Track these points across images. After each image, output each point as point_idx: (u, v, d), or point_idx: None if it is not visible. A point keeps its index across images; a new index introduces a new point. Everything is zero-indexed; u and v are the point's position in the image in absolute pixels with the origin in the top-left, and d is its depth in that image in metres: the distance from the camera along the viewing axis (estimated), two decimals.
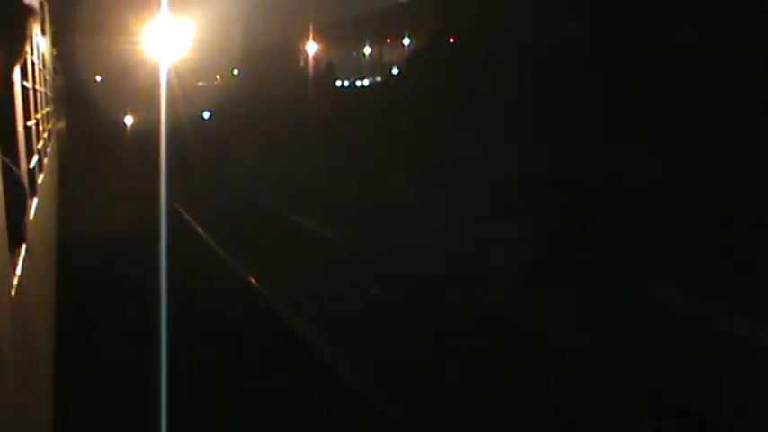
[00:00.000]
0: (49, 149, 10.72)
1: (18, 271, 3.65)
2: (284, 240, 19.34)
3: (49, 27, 12.67)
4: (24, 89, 5.71)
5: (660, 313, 11.79)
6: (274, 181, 30.08)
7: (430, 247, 16.84)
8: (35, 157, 6.59)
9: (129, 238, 18.16)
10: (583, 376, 9.64)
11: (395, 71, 50.65)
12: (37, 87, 7.79)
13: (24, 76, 5.76)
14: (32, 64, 6.97)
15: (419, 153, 27.47)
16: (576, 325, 11.43)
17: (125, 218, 21.41)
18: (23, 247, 4.02)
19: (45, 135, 9.61)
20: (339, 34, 64.87)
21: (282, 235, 20.18)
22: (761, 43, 16.96)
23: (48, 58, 12.77)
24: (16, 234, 3.66)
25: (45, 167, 8.44)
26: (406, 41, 55.34)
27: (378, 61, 62.87)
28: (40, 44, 8.79)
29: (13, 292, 3.27)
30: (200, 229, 20.08)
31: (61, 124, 27.49)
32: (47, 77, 11.94)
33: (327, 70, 56.82)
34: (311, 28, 56.78)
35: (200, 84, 66.49)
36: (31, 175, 5.93)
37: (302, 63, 58.32)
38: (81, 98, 42.93)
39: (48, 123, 11.46)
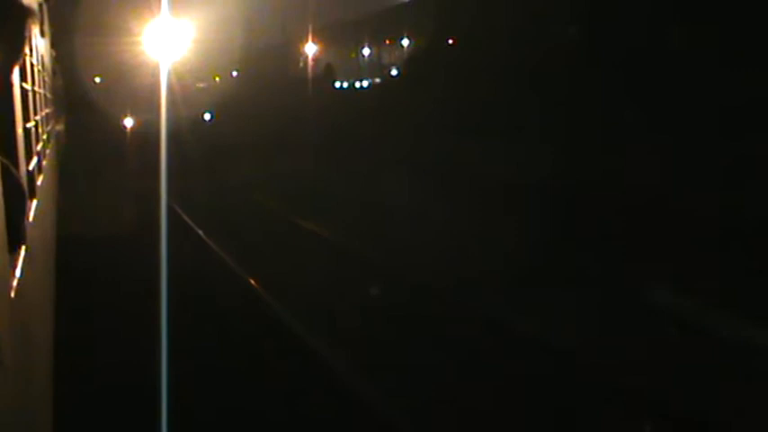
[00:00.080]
0: (48, 151, 10.74)
1: (18, 272, 3.66)
2: (284, 242, 19.37)
3: (48, 28, 12.65)
4: (23, 91, 5.71)
5: (660, 315, 11.79)
6: (274, 181, 30.09)
7: (430, 247, 16.85)
8: (34, 159, 6.59)
9: (129, 240, 18.17)
10: (583, 376, 9.65)
11: (394, 72, 50.71)
12: (36, 89, 7.79)
13: (23, 77, 5.76)
14: (31, 65, 6.97)
15: (419, 154, 27.49)
16: (575, 325, 11.44)
17: (125, 219, 21.43)
18: (23, 248, 4.02)
19: (44, 137, 9.62)
20: (338, 35, 64.97)
21: (282, 236, 20.22)
22: (761, 43, 16.98)
23: (47, 59, 12.76)
24: (16, 235, 3.65)
25: (44, 169, 8.44)
26: (405, 42, 55.38)
27: (377, 62, 62.93)
28: (38, 45, 8.79)
29: (12, 294, 3.28)
30: (200, 232, 20.10)
31: (61, 126, 27.54)
32: (46, 79, 11.95)
33: (326, 71, 56.89)
34: (310, 29, 56.87)
35: (200, 85, 66.58)
36: (31, 176, 5.93)
37: (301, 64, 58.35)
38: (80, 100, 42.93)
39: (47, 125, 11.47)
